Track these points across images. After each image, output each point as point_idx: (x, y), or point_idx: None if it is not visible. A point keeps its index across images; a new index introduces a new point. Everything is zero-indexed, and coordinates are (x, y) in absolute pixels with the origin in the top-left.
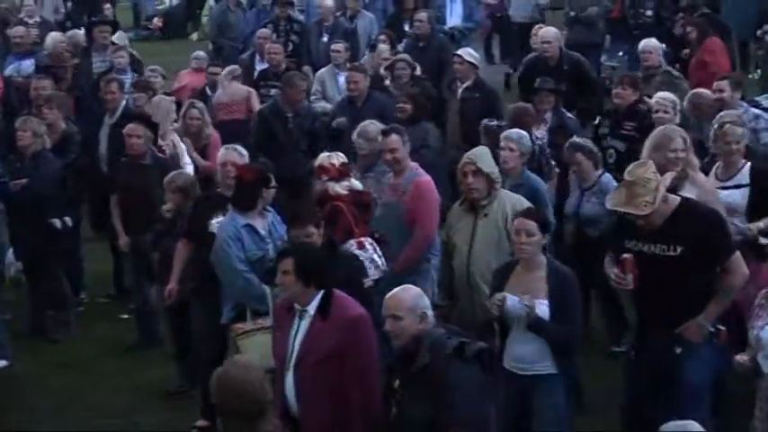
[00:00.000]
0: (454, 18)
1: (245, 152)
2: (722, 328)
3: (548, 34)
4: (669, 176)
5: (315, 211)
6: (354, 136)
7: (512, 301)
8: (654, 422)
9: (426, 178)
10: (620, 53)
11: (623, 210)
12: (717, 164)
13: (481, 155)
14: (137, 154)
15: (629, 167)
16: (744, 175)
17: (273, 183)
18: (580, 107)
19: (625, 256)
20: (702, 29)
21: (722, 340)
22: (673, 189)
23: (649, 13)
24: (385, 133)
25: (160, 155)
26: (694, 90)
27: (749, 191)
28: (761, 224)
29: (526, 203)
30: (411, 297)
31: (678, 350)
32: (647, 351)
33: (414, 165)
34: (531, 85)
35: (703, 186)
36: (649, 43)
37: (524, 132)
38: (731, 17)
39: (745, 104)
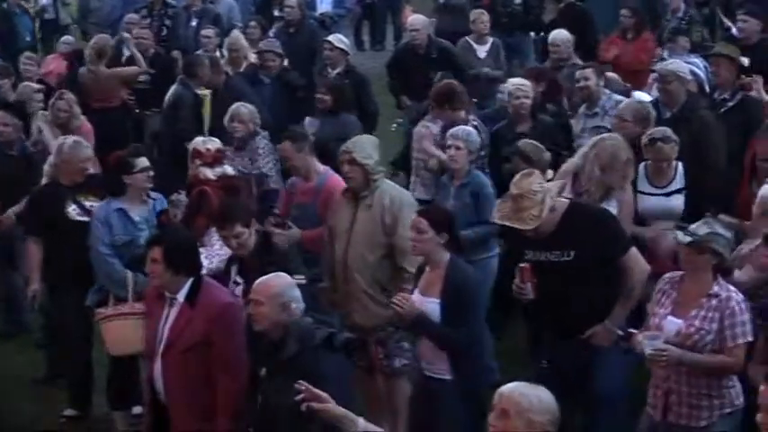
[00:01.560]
0: (324, 4)
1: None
2: (633, 330)
3: (416, 22)
4: (555, 187)
5: (243, 210)
6: (227, 120)
7: (415, 298)
8: (570, 430)
9: (335, 179)
10: None
11: (509, 224)
12: (644, 163)
13: (359, 144)
14: (4, 142)
15: (516, 179)
16: (678, 180)
17: (140, 168)
18: None
19: (522, 265)
20: (564, 18)
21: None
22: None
23: (518, 1)
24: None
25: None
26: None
27: (685, 196)
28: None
29: (408, 197)
30: (277, 285)
31: (587, 355)
32: (557, 360)
33: (323, 168)
34: (400, 72)
35: (624, 202)
36: (558, 35)
37: (472, 129)
38: (594, 6)
39: (608, 92)
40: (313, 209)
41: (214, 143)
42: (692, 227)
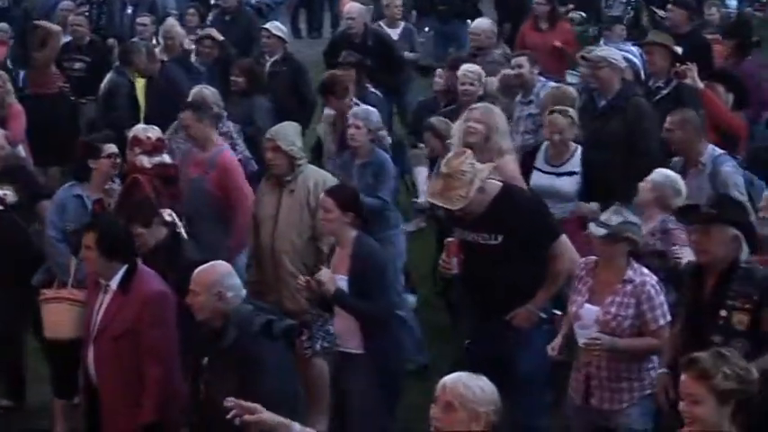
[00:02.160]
0: None
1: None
2: (558, 312)
3: (352, 10)
4: (487, 168)
5: (141, 210)
6: None
7: (324, 276)
8: None
9: (228, 154)
10: (426, 29)
11: (437, 202)
12: (544, 144)
13: (282, 131)
14: None
15: (446, 158)
16: (575, 163)
17: (107, 153)
18: (385, 82)
19: (449, 240)
20: (500, 8)
21: (558, 324)
22: None
23: None
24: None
25: None
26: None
27: (581, 178)
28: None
29: (331, 180)
30: (212, 274)
31: (510, 338)
32: (481, 340)
33: (220, 140)
34: (337, 60)
35: (507, 175)
36: (479, 24)
37: (372, 109)
38: None
39: (543, 79)
40: (202, 183)
41: (155, 131)
42: (604, 217)
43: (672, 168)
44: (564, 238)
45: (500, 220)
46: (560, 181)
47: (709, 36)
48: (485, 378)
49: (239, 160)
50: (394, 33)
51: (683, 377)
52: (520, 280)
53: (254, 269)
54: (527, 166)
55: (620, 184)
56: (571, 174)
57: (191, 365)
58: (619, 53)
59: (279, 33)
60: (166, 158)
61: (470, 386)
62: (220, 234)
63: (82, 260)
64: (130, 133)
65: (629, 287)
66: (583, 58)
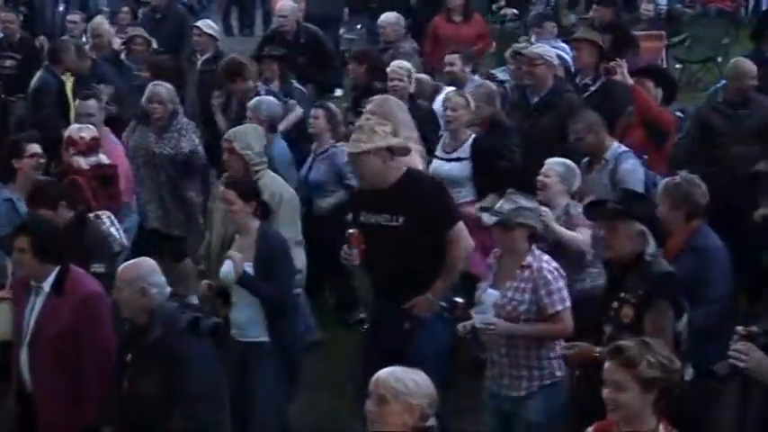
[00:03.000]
0: None
1: None
2: (460, 300)
3: (284, 8)
4: (397, 141)
5: (47, 195)
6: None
7: (226, 266)
8: None
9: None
10: (359, 26)
11: (342, 146)
12: (443, 135)
13: (240, 134)
14: None
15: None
16: (466, 149)
17: (30, 153)
18: (317, 80)
19: (351, 231)
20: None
21: (460, 313)
22: None
23: None
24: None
25: None
26: None
27: (471, 164)
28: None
29: (288, 193)
30: (135, 271)
31: (407, 325)
32: (380, 325)
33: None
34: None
35: (410, 163)
36: (386, 18)
37: (268, 99)
38: None
39: (477, 78)
40: None
41: (89, 131)
42: (497, 206)
43: (580, 167)
44: (461, 225)
45: (402, 200)
46: (447, 166)
47: (640, 33)
48: (420, 372)
49: (184, 154)
50: None
51: (607, 364)
52: (420, 265)
53: (204, 263)
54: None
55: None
56: (459, 159)
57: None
58: (553, 50)
59: (210, 31)
60: (103, 158)
61: (403, 379)
62: None
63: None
64: (66, 133)
65: (527, 272)
66: (517, 54)
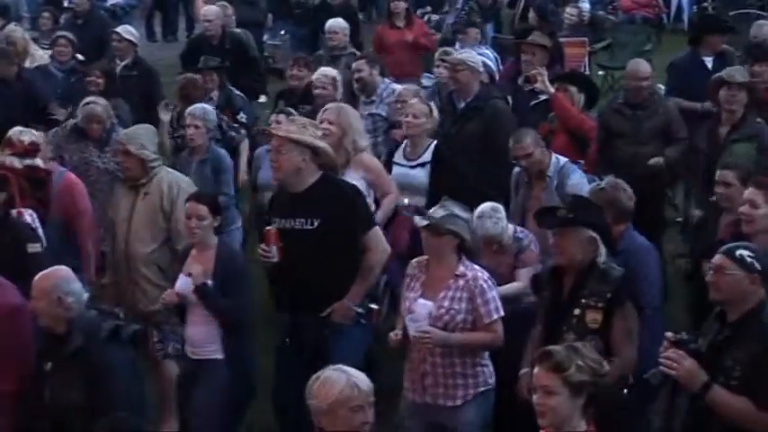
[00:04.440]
0: None
1: None
2: (375, 306)
3: (209, 13)
4: (323, 144)
5: None
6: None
7: (182, 282)
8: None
9: (69, 177)
10: (282, 32)
11: (269, 129)
12: (405, 141)
13: (134, 135)
14: None
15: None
16: (426, 155)
17: None
18: (243, 85)
19: (268, 228)
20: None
21: (375, 319)
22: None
23: None
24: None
25: None
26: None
27: (430, 168)
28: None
29: (186, 183)
30: (50, 280)
31: (326, 332)
32: (298, 334)
33: (57, 165)
34: (194, 63)
35: (368, 166)
36: (335, 23)
37: (209, 108)
38: None
39: (386, 81)
40: None
41: (30, 136)
42: (431, 211)
43: (515, 179)
44: (377, 229)
45: (317, 203)
46: (414, 172)
47: (564, 39)
48: (362, 375)
49: None
50: None
51: (536, 369)
52: (335, 270)
53: (110, 271)
54: (386, 163)
55: (476, 183)
56: (424, 165)
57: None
58: (478, 56)
59: (129, 37)
60: (38, 162)
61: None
62: None
63: None
64: (8, 133)
65: (461, 282)
66: (441, 60)
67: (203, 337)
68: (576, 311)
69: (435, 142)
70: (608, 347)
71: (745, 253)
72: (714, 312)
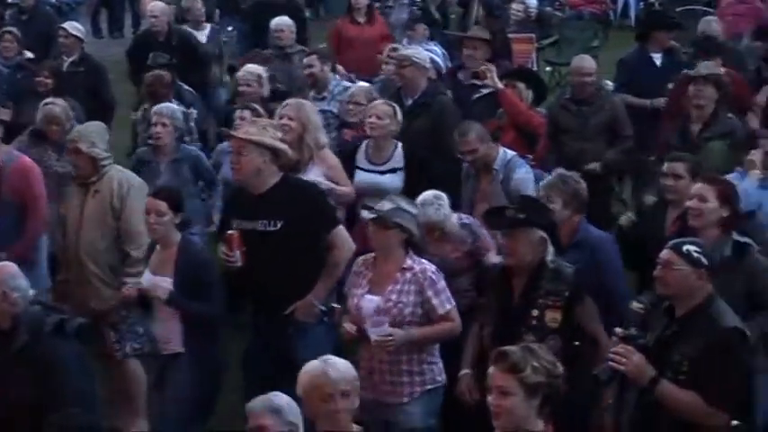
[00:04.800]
0: None
1: None
2: (337, 306)
3: (155, 9)
4: (284, 147)
5: None
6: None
7: (146, 278)
8: None
9: (24, 160)
10: (230, 28)
11: (229, 132)
12: (365, 142)
13: (85, 133)
14: None
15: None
16: (397, 159)
17: None
18: (191, 81)
19: (230, 232)
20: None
21: (338, 318)
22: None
23: None
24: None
25: None
26: None
27: (404, 174)
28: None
29: (136, 181)
30: None
31: (290, 331)
32: (263, 333)
33: (9, 149)
34: (141, 59)
35: (329, 163)
36: (281, 21)
37: (176, 106)
38: None
39: (337, 77)
40: None
41: None
42: (378, 205)
43: (464, 173)
44: (341, 228)
45: (280, 205)
46: (383, 178)
47: (511, 35)
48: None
49: None
50: (201, 35)
51: (491, 370)
52: (298, 271)
53: (61, 269)
54: (348, 167)
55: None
56: (394, 170)
57: None
58: (425, 52)
59: (76, 33)
60: None
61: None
62: None
63: None
64: None
65: (408, 274)
66: (389, 56)
67: (169, 332)
68: (535, 312)
69: (401, 145)
70: (566, 346)
71: (692, 248)
72: (662, 307)
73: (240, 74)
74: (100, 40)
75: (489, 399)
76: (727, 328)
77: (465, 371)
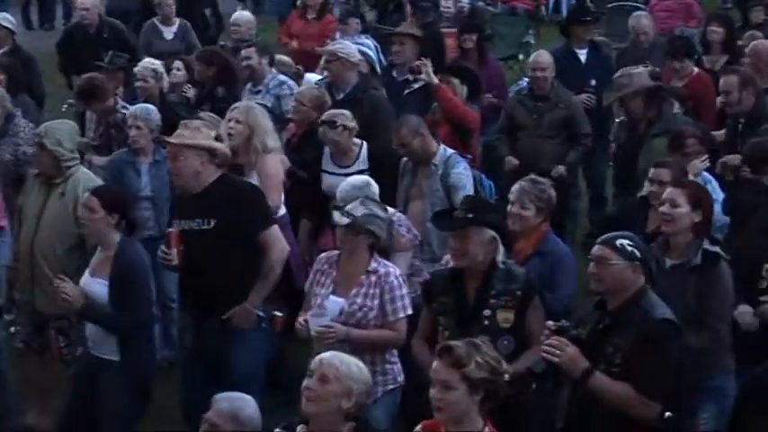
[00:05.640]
0: None
1: None
2: (279, 314)
3: (87, 1)
4: (220, 146)
5: None
6: None
7: (85, 280)
8: None
9: None
10: None
11: (162, 138)
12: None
13: (50, 129)
14: None
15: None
16: (362, 160)
17: None
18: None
19: (168, 230)
20: None
21: (279, 326)
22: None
23: None
24: None
25: None
26: None
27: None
28: None
29: (97, 183)
30: None
31: (227, 336)
32: (200, 338)
33: None
34: (72, 52)
35: (265, 171)
36: (239, 16)
37: (152, 108)
38: None
39: (273, 71)
40: None
41: None
42: (349, 207)
43: (402, 167)
44: (276, 228)
45: (214, 203)
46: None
47: (443, 30)
48: (358, 360)
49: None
50: (168, 31)
51: (436, 364)
52: (233, 270)
53: (15, 256)
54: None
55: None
56: (362, 172)
57: None
58: (353, 47)
59: (7, 25)
60: None
61: (347, 363)
62: None
63: None
64: None
65: (373, 278)
66: (320, 52)
67: (102, 336)
68: (487, 312)
69: (366, 144)
70: (520, 346)
71: (626, 242)
72: (595, 302)
73: (137, 69)
74: (31, 32)
75: (432, 392)
76: (660, 319)
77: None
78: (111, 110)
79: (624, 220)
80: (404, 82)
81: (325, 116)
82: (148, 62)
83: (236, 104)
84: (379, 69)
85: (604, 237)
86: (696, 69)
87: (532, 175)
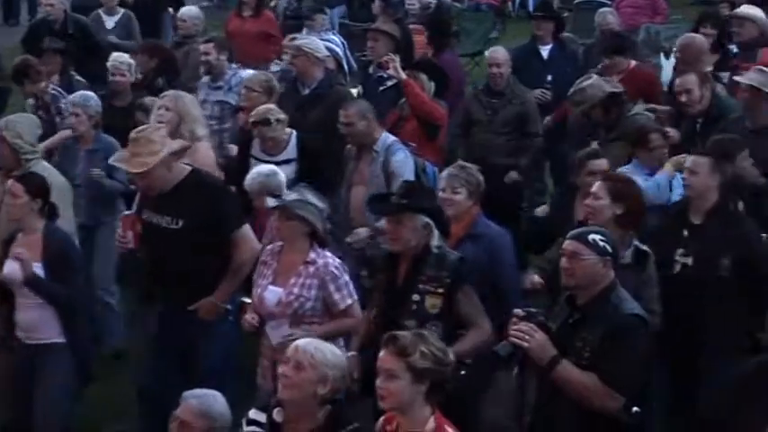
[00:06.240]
0: None
1: None
2: (247, 300)
3: None
4: (179, 145)
5: None
6: None
7: (8, 267)
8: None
9: None
10: None
11: (120, 165)
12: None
13: (11, 123)
14: None
15: (139, 128)
16: (291, 150)
17: None
18: (90, 70)
19: (126, 213)
20: None
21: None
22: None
23: None
24: None
25: None
26: None
27: (298, 165)
28: None
29: (60, 182)
30: None
31: (192, 328)
32: (167, 329)
33: None
34: (37, 47)
35: (196, 158)
36: (185, 11)
37: (91, 94)
38: None
39: (234, 67)
40: None
41: None
42: (284, 195)
43: (346, 154)
44: (247, 228)
45: (183, 203)
46: (278, 169)
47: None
48: (333, 346)
49: None
50: (110, 21)
51: (381, 353)
52: (202, 268)
53: None
54: (243, 155)
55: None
56: (288, 161)
57: None
58: (320, 43)
59: None
60: None
61: (321, 349)
62: None
63: None
64: None
65: (311, 268)
66: (285, 46)
67: (39, 322)
68: (416, 297)
69: (296, 134)
70: (448, 333)
71: (597, 237)
72: (564, 296)
73: (109, 63)
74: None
75: (377, 381)
76: (628, 314)
77: (351, 353)
78: (41, 92)
79: (557, 212)
80: (379, 79)
81: (256, 117)
82: (120, 56)
83: (166, 92)
84: (346, 66)
85: (575, 231)
86: (633, 63)
87: (460, 162)
